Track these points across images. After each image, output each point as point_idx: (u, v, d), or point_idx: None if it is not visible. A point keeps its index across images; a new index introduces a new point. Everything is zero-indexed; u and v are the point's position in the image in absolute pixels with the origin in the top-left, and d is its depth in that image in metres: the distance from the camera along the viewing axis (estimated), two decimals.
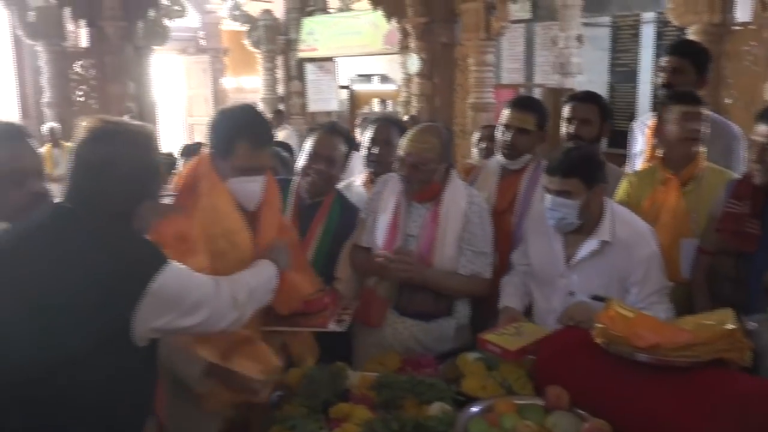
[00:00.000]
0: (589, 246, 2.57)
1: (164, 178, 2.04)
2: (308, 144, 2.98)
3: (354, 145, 3.14)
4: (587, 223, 2.57)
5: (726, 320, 1.98)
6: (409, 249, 2.76)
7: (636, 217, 2.68)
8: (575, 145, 2.73)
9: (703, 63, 3.55)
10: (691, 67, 3.48)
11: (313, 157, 2.92)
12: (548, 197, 2.56)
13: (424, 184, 2.76)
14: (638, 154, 3.64)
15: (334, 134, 2.98)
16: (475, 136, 4.43)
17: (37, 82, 9.45)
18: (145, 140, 1.82)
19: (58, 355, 1.63)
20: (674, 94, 3.06)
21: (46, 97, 8.88)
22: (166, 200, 2.20)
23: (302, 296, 2.46)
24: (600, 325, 2.05)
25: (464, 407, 2.08)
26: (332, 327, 2.44)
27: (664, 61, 3.57)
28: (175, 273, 1.78)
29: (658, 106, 3.24)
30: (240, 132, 2.29)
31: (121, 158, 1.74)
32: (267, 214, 2.43)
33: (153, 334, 1.79)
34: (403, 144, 2.77)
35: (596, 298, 2.52)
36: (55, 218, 1.74)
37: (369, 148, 3.32)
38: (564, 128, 3.38)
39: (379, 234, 2.83)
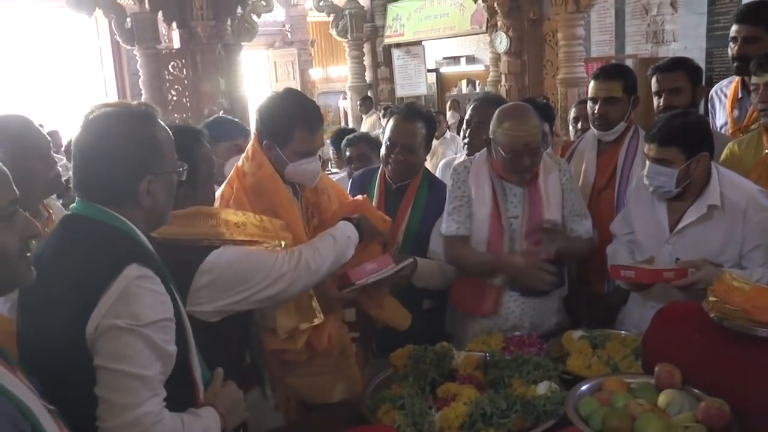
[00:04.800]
0: (695, 211, 2.48)
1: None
2: (386, 129, 2.93)
3: (434, 124, 3.06)
4: (691, 189, 2.49)
5: None
6: (514, 230, 2.74)
7: (745, 180, 2.55)
8: (680, 111, 2.59)
9: None
10: (766, 34, 3.13)
11: (391, 146, 2.88)
12: (647, 164, 2.52)
13: (536, 166, 2.70)
14: (720, 128, 3.42)
15: (411, 119, 2.90)
16: (571, 113, 4.30)
17: (136, 85, 9.83)
18: (138, 116, 1.72)
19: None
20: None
21: (143, 97, 9.22)
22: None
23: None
24: (713, 299, 1.96)
25: (572, 386, 2.06)
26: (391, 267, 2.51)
27: (734, 30, 3.23)
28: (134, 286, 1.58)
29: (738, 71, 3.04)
30: (298, 121, 2.37)
31: (109, 135, 1.67)
32: (322, 191, 2.55)
33: None
34: (509, 135, 2.61)
35: None
36: (60, 226, 1.73)
37: (465, 130, 3.31)
38: (655, 102, 3.16)
39: (479, 223, 2.76)
